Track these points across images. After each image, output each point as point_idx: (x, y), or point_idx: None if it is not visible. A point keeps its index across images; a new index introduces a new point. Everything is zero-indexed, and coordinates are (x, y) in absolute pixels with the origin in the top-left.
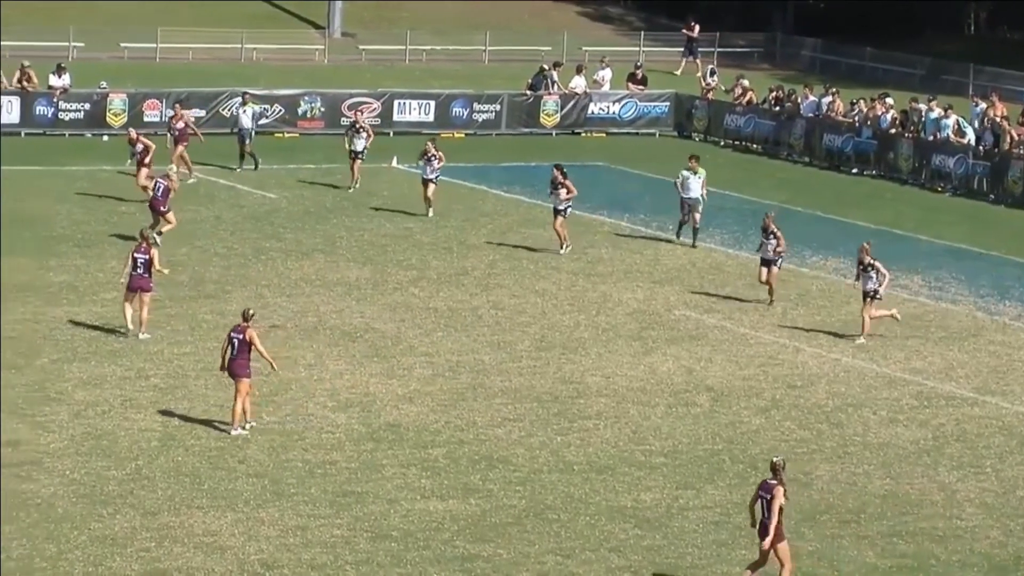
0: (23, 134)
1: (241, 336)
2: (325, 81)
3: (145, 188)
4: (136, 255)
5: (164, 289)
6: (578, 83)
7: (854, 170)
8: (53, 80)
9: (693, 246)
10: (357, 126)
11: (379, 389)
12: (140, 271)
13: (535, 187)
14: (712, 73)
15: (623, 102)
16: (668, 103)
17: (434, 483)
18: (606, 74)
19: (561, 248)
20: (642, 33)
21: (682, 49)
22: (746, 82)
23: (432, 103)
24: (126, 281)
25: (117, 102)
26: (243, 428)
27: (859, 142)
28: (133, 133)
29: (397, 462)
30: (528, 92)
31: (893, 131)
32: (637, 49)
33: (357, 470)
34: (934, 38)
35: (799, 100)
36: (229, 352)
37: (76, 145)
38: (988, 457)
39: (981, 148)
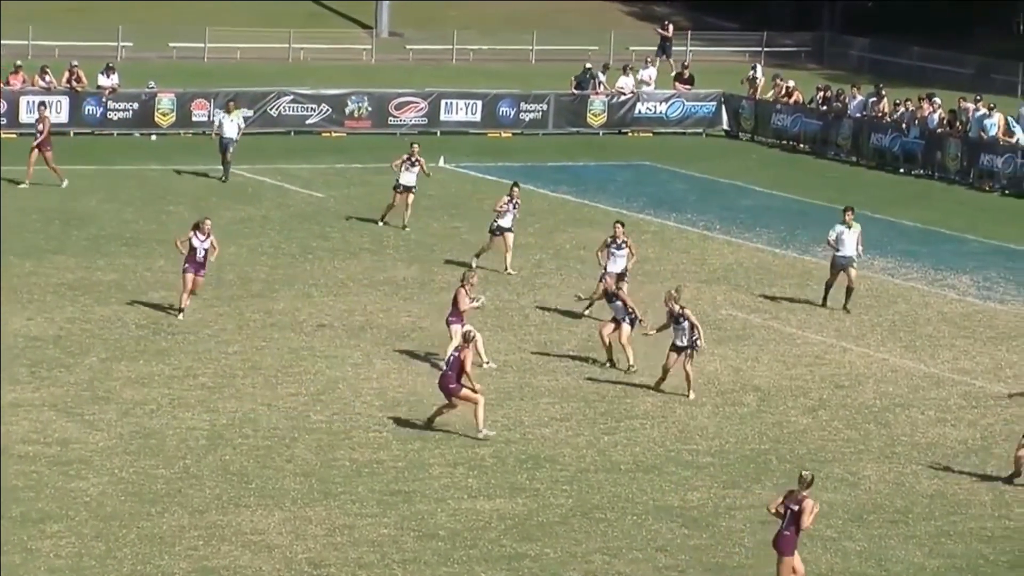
0: (72, 134)
1: (456, 354)
2: (372, 80)
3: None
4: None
5: (212, 288)
6: (625, 83)
7: (901, 170)
8: (102, 80)
9: (846, 309)
10: (414, 158)
11: (426, 388)
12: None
13: (582, 186)
14: (753, 68)
15: (670, 102)
16: (715, 103)
17: (481, 482)
18: (651, 73)
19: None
20: (689, 33)
21: (656, 48)
22: (791, 83)
23: (479, 103)
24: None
25: (165, 102)
26: (487, 429)
27: (906, 142)
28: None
29: (444, 461)
30: (575, 92)
31: (941, 131)
32: (684, 48)
33: (404, 469)
34: (983, 37)
35: (847, 100)
36: (444, 366)
37: (124, 144)
38: None
39: None
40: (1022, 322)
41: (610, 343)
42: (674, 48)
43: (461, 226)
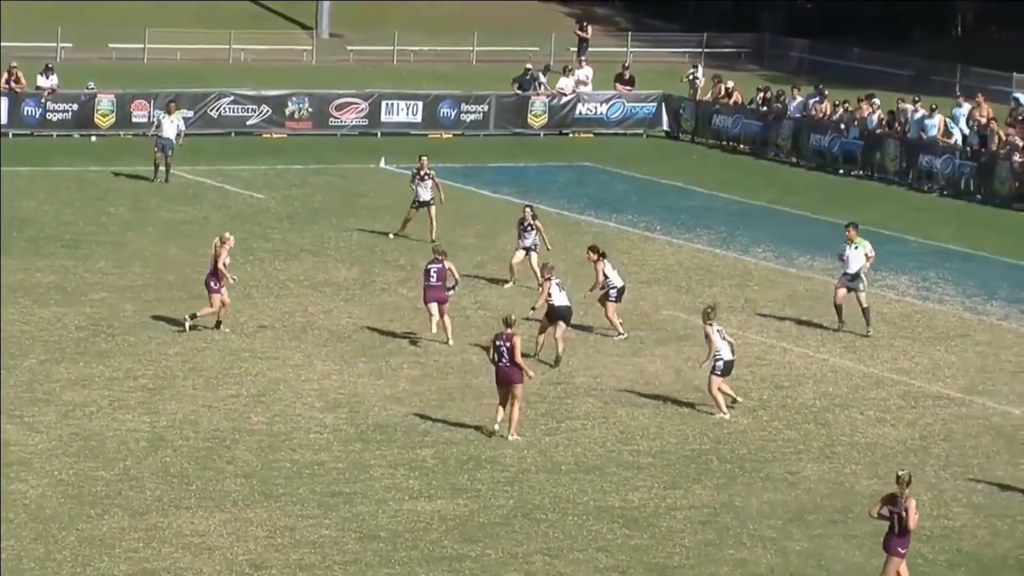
0: (11, 135)
1: (508, 344)
2: (313, 82)
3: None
4: (430, 266)
5: (152, 290)
6: (565, 84)
7: (841, 170)
8: (41, 80)
9: (867, 334)
10: (423, 173)
11: (367, 390)
12: (434, 280)
13: (523, 187)
14: (694, 68)
15: (611, 103)
16: (655, 104)
17: (422, 483)
18: (588, 72)
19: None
20: (629, 34)
21: (576, 50)
22: (731, 83)
23: (420, 104)
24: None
25: (105, 103)
26: (518, 435)
27: (846, 142)
28: None
29: (385, 462)
30: (517, 91)
31: (880, 131)
32: (624, 50)
33: (345, 470)
34: (921, 39)
35: (787, 101)
36: (497, 359)
37: (64, 146)
38: (975, 457)
39: (968, 148)
40: (960, 322)
41: (554, 341)
42: (613, 50)
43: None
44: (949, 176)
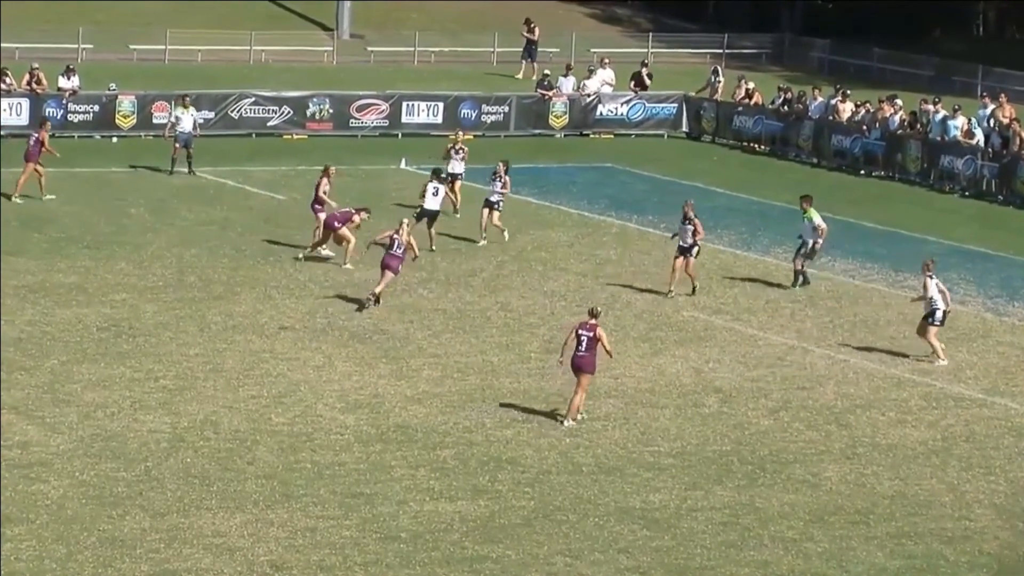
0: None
1: (591, 334)
2: (333, 82)
3: None
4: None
5: (173, 290)
6: (587, 85)
7: (862, 171)
8: (62, 82)
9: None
10: (457, 146)
11: (388, 390)
12: (395, 250)
13: (544, 188)
14: (716, 73)
15: (631, 103)
16: (676, 104)
17: (443, 484)
18: (608, 74)
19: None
20: (650, 34)
21: (522, 51)
22: (751, 84)
23: (441, 104)
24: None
25: (126, 104)
26: (574, 420)
27: (867, 143)
28: None
29: (406, 463)
30: (540, 91)
31: (901, 132)
32: (645, 50)
33: (366, 471)
34: (942, 39)
35: (807, 101)
36: (575, 347)
37: (85, 147)
38: (997, 458)
39: (990, 149)
40: (982, 323)
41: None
42: (634, 51)
43: (421, 228)
44: (971, 177)
